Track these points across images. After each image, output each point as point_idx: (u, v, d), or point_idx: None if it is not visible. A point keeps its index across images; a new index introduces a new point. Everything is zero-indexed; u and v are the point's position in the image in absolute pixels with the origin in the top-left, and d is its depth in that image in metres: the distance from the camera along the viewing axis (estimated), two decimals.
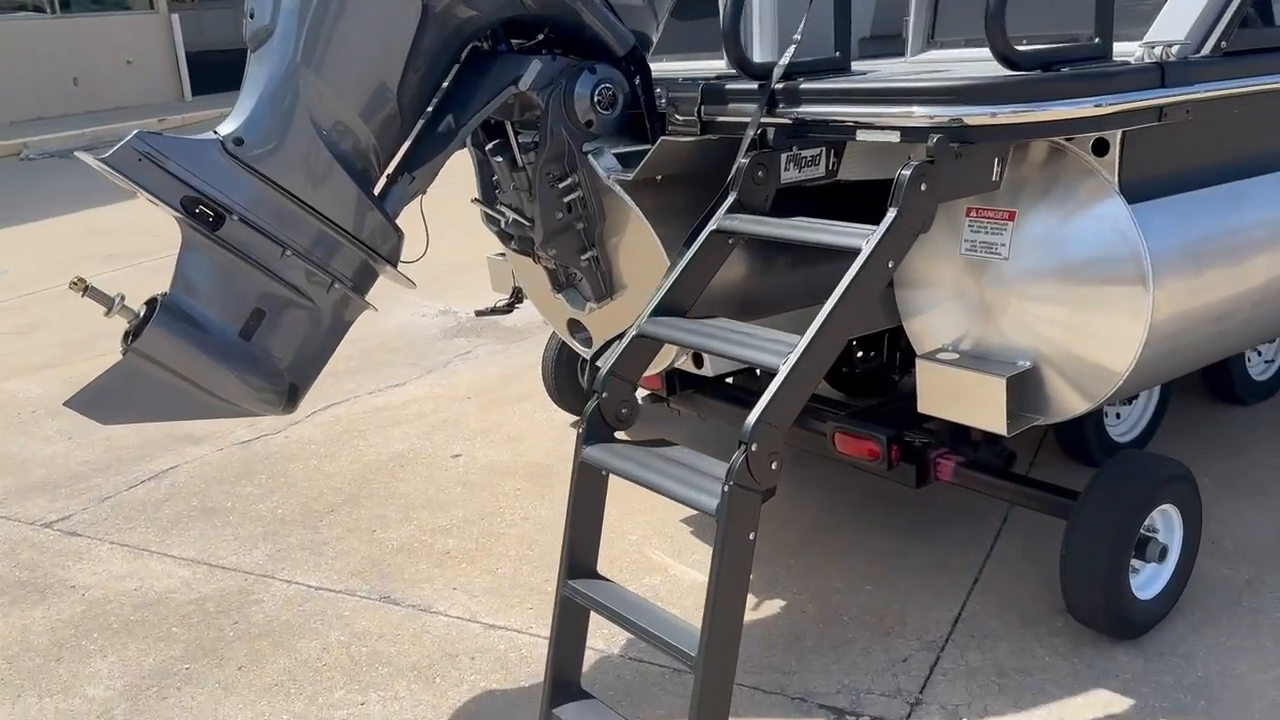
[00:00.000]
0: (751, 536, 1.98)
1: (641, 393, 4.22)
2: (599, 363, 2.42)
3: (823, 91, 2.38)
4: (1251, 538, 3.32)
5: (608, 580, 2.32)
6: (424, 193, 2.91)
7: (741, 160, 2.44)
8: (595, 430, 2.29)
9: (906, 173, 2.11)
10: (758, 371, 3.60)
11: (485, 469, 4.36)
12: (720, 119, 2.64)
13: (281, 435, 4.88)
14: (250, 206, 2.56)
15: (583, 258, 3.11)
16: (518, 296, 4.35)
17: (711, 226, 2.41)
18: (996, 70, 2.25)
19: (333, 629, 3.25)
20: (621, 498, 3.55)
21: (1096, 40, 2.27)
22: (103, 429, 5.11)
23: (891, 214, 2.12)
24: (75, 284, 2.45)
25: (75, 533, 4.04)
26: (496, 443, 4.62)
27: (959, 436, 3.17)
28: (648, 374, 3.47)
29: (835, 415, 3.21)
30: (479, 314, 4.43)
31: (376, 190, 2.79)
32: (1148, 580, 2.83)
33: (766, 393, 1.99)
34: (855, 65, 2.80)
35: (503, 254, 4.35)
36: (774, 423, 1.98)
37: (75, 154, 2.53)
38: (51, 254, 9.00)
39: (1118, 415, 3.84)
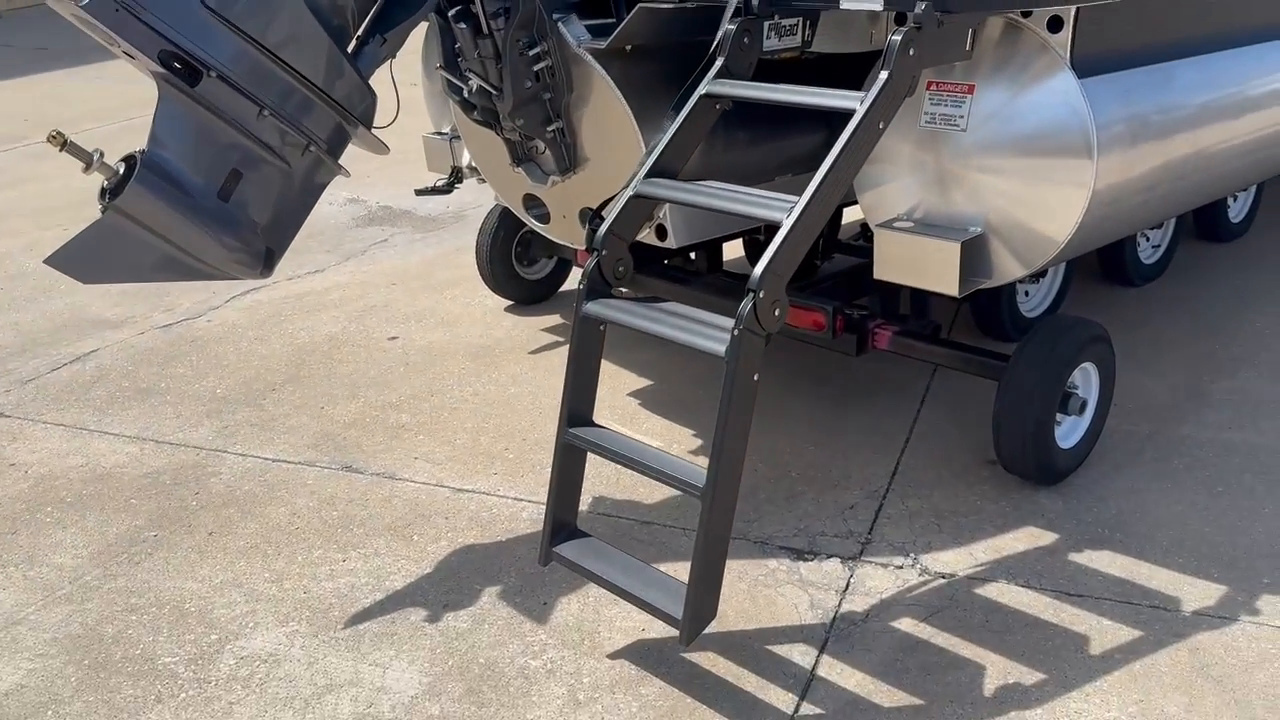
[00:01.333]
0: (756, 377, 2.13)
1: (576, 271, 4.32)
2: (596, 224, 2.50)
3: None
4: (1148, 400, 3.69)
5: (604, 427, 2.46)
6: (394, 56, 2.90)
7: (729, 26, 2.53)
8: (595, 286, 2.39)
9: (897, 38, 2.25)
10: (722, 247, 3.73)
11: (424, 350, 4.40)
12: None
13: (204, 320, 4.79)
14: (228, 63, 2.52)
15: (549, 129, 3.16)
16: (457, 176, 4.35)
17: (701, 91, 2.51)
18: None
19: (299, 496, 3.30)
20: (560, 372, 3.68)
21: None
22: (6, 312, 4.90)
23: (883, 76, 2.26)
24: (54, 138, 2.38)
25: (1, 413, 3.93)
26: (431, 326, 4.65)
27: (889, 308, 3.40)
28: (555, 238, 3.56)
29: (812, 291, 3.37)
30: (418, 193, 4.41)
31: (350, 50, 2.77)
32: (1068, 431, 3.13)
33: (772, 244, 2.13)
34: None
35: (440, 134, 4.33)
36: (779, 272, 2.13)
37: (48, 2, 2.42)
38: None
39: (1026, 293, 4.15)
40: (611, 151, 3.12)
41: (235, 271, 2.73)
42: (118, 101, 9.04)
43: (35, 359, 4.41)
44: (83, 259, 2.49)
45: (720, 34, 2.55)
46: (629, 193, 2.46)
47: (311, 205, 2.85)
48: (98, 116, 8.40)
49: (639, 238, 3.30)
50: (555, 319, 4.66)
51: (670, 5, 2.77)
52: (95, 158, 2.45)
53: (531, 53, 2.99)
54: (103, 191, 2.51)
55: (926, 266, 2.76)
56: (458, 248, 5.64)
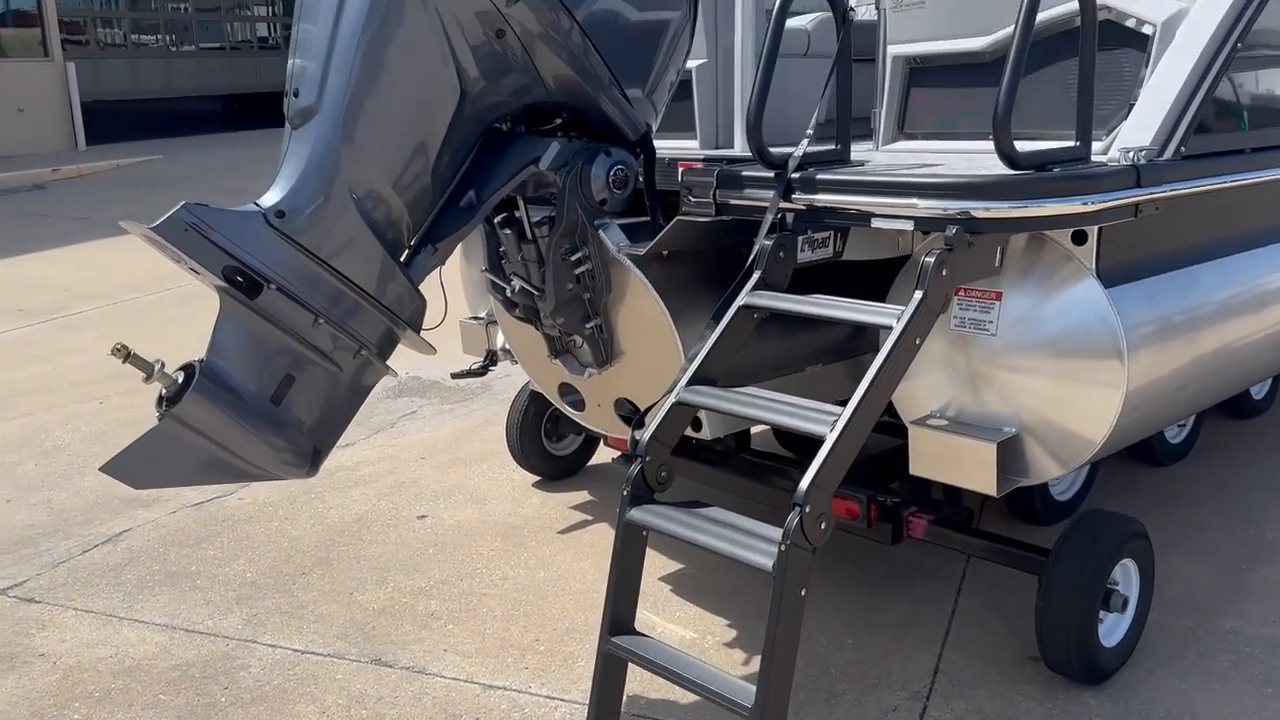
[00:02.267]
0: (803, 592, 2.14)
1: (613, 454, 4.37)
2: (637, 433, 2.55)
3: (839, 182, 2.61)
4: (1187, 589, 3.64)
5: (647, 636, 2.44)
6: (444, 264, 3.03)
7: (764, 242, 2.65)
8: (638, 493, 2.43)
9: (930, 260, 2.35)
10: (751, 430, 3.78)
11: (454, 529, 4.40)
12: (734, 202, 2.86)
13: (235, 498, 4.82)
14: (288, 276, 2.64)
15: (587, 326, 3.26)
16: (492, 360, 4.46)
17: (739, 302, 2.60)
18: (993, 167, 2.52)
19: (328, 693, 3.25)
20: (601, 555, 3.66)
21: (1078, 144, 2.57)
22: (40, 489, 4.95)
23: (918, 296, 2.35)
24: (117, 350, 2.48)
25: (32, 599, 3.92)
26: (461, 503, 4.67)
27: (922, 496, 3.41)
28: (621, 435, 3.63)
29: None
30: (454, 376, 4.51)
31: (402, 259, 2.90)
32: (1111, 629, 3.09)
33: (816, 459, 2.17)
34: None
35: (476, 318, 4.46)
36: (824, 486, 2.16)
37: (120, 222, 2.56)
38: None
39: (1057, 478, 4.16)
40: (647, 347, 3.21)
41: (282, 472, 2.78)
42: (155, 272, 9.34)
43: (68, 540, 4.43)
44: (136, 465, 2.55)
45: (756, 249, 2.67)
46: (671, 400, 2.52)
47: (359, 405, 2.93)
48: (136, 287, 8.67)
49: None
50: (583, 495, 4.68)
51: (706, 219, 2.91)
52: (156, 368, 2.54)
53: (573, 257, 3.12)
54: (160, 399, 2.58)
55: (963, 465, 2.79)
56: (485, 419, 5.72)
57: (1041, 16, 3.06)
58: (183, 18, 22.59)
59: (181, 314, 8.04)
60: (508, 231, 3.21)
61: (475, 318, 4.45)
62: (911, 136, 3.51)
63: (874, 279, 3.12)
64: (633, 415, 3.50)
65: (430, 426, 5.70)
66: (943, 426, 2.86)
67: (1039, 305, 2.73)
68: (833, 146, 2.85)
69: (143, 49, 21.54)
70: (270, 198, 2.64)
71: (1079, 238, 2.66)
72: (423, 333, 2.96)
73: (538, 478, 4.88)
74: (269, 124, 23.08)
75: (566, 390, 3.69)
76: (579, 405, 3.66)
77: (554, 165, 2.99)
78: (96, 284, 9.13)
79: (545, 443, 4.87)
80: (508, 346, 4.44)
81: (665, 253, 3.09)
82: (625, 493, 2.44)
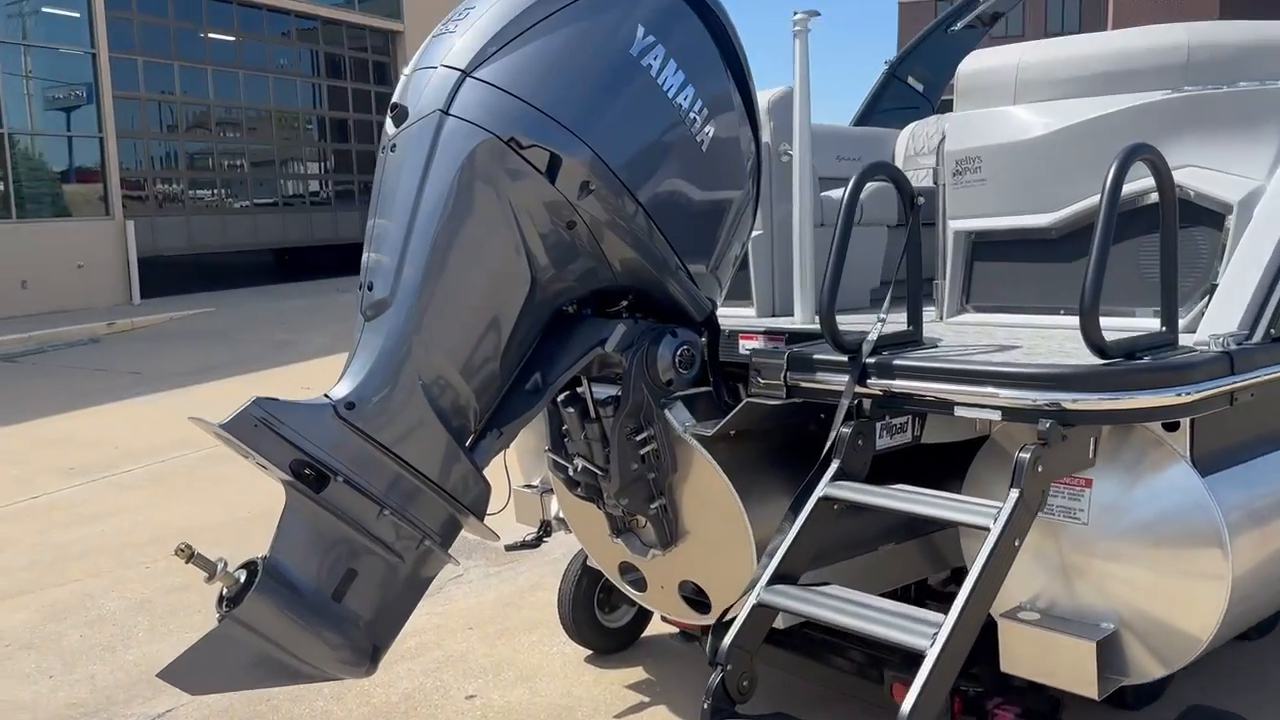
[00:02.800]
0: None
1: (672, 630, 4.21)
2: (723, 643, 2.42)
3: (919, 368, 2.55)
4: None
5: None
6: (508, 447, 2.97)
7: (842, 430, 2.57)
8: (719, 706, 2.29)
9: (1025, 455, 2.26)
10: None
11: (503, 711, 4.21)
12: (805, 385, 2.80)
13: None
14: (356, 469, 2.59)
15: (651, 506, 3.17)
16: (546, 530, 4.35)
17: (819, 494, 2.51)
18: (1078, 354, 2.46)
19: None
20: None
21: (1164, 329, 2.50)
22: (84, 663, 4.83)
23: (1014, 495, 2.24)
24: (181, 551, 2.42)
25: None
26: (511, 681, 4.48)
27: (1005, 684, 3.21)
28: (685, 619, 3.48)
29: (890, 662, 3.23)
30: (509, 549, 4.40)
31: (467, 444, 2.85)
32: None
33: (919, 677, 2.04)
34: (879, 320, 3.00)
35: (529, 486, 4.38)
36: (927, 708, 2.02)
37: (189, 418, 2.55)
38: (6, 467, 8.68)
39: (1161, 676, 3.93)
40: (714, 529, 3.10)
41: (340, 672, 2.66)
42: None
43: None
44: (193, 670, 2.45)
45: (834, 436, 2.60)
46: (751, 601, 2.40)
47: (419, 598, 2.83)
48: (185, 444, 8.72)
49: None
50: (639, 672, 4.49)
51: (776, 401, 2.84)
52: (219, 568, 2.47)
53: (638, 437, 3.05)
54: (220, 599, 2.50)
55: (1059, 665, 2.62)
56: (533, 584, 5.56)
57: (1127, 190, 3.04)
58: (239, 174, 23.59)
59: (228, 472, 8.04)
60: (571, 410, 3.17)
61: (529, 486, 4.37)
62: (978, 309, 3.46)
63: (948, 459, 3.02)
64: (697, 598, 3.36)
65: (477, 591, 5.55)
66: (1036, 621, 2.70)
67: (1131, 492, 2.61)
68: (905, 327, 2.81)
69: (199, 205, 22.43)
70: (341, 389, 2.61)
71: (1171, 425, 2.56)
72: (486, 518, 2.88)
73: (590, 651, 4.70)
74: (318, 275, 23.74)
75: (627, 569, 3.57)
76: (640, 585, 3.53)
77: (620, 347, 2.96)
78: (147, 440, 9.21)
79: (598, 614, 4.70)
80: (562, 516, 4.34)
81: (732, 432, 3.02)
82: (705, 706, 2.30)
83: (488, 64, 2.64)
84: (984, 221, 3.37)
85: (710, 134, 2.93)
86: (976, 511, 2.29)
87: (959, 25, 6.10)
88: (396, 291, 2.64)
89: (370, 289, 2.70)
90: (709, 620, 3.30)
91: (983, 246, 3.41)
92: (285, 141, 24.80)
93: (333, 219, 25.72)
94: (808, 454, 3.26)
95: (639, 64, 2.76)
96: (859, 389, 2.61)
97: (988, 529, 2.22)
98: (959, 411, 2.45)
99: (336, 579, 2.63)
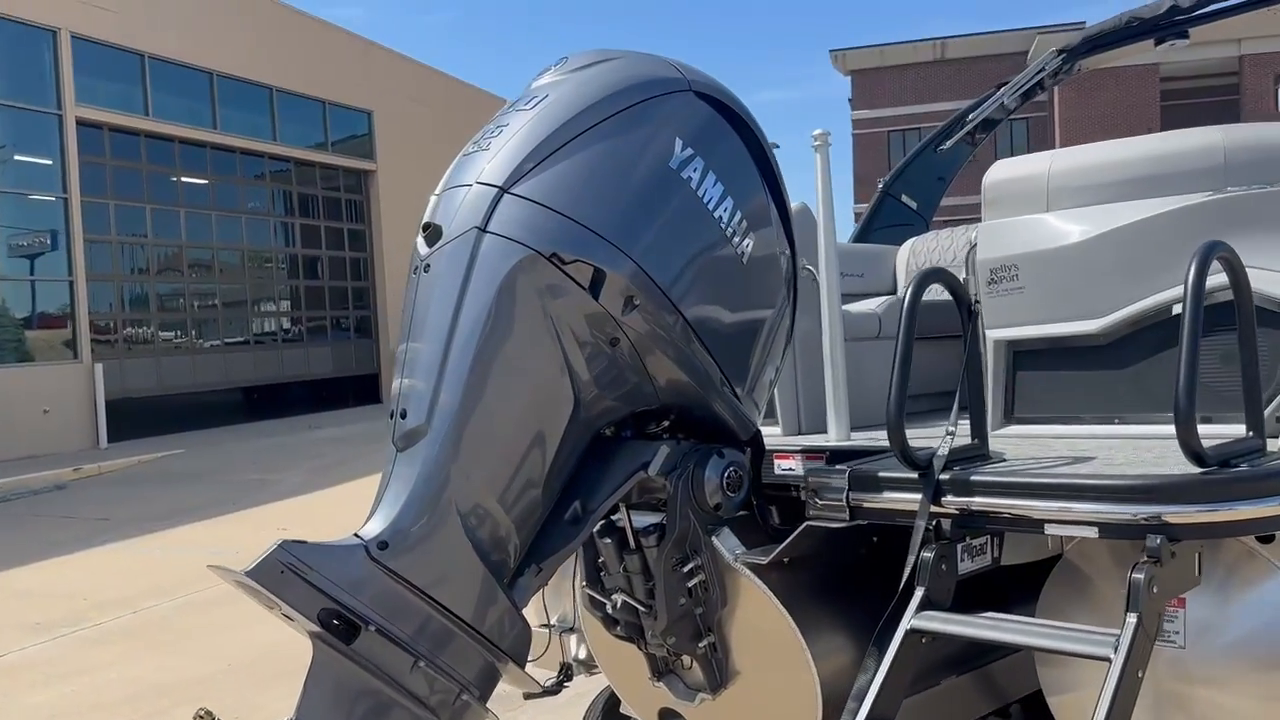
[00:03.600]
0: None
1: None
2: None
3: (1000, 484, 2.39)
4: None
5: None
6: (547, 584, 2.75)
7: (924, 554, 2.38)
8: None
9: (1140, 576, 2.08)
10: None
11: None
12: (869, 505, 2.62)
13: None
14: (390, 615, 2.35)
15: (700, 644, 2.93)
16: (567, 674, 4.06)
17: (906, 626, 2.30)
18: (1163, 463, 2.31)
19: None
20: None
21: (1251, 434, 2.37)
22: None
23: (1132, 620, 2.05)
24: (202, 717, 2.15)
25: None
26: None
27: None
28: None
29: None
30: (527, 697, 4.08)
31: (506, 582, 2.62)
32: None
33: None
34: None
35: (546, 625, 4.10)
36: None
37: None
38: None
39: None
40: (770, 667, 2.86)
41: None
42: (178, 575, 8.97)
43: None
44: None
45: (913, 562, 2.41)
46: None
47: None
48: (159, 592, 8.29)
49: None
50: None
51: (839, 524, 2.66)
52: None
53: (685, 569, 2.84)
54: None
55: None
56: None
57: (1167, 295, 2.96)
58: (210, 314, 23.45)
59: (203, 621, 7.62)
60: (608, 541, 2.95)
61: (545, 625, 4.10)
62: (1022, 421, 3.32)
63: (994, 584, 2.83)
64: None
65: None
66: None
67: (1233, 614, 2.42)
68: (969, 441, 2.65)
69: (169, 346, 22.18)
70: (373, 527, 2.40)
71: (1267, 537, 2.40)
72: (527, 665, 2.63)
73: None
74: (290, 412, 23.40)
75: (668, 715, 3.28)
76: None
77: (664, 470, 2.77)
78: (117, 590, 8.74)
79: None
80: (581, 658, 4.06)
81: (786, 560, 2.82)
82: None
83: (525, 180, 2.53)
84: (1025, 330, 3.27)
85: (749, 248, 2.82)
86: (1092, 641, 2.09)
87: (948, 144, 6.18)
88: (433, 418, 2.46)
89: (404, 417, 2.51)
90: None
91: (1024, 356, 3.30)
92: (257, 280, 24.79)
93: (304, 355, 25.54)
94: (863, 581, 3.06)
95: (679, 176, 2.67)
96: (934, 508, 2.43)
97: (1108, 659, 2.02)
98: (1050, 530, 2.28)
99: None
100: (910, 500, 2.50)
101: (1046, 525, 2.28)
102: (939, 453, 2.50)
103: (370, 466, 13.10)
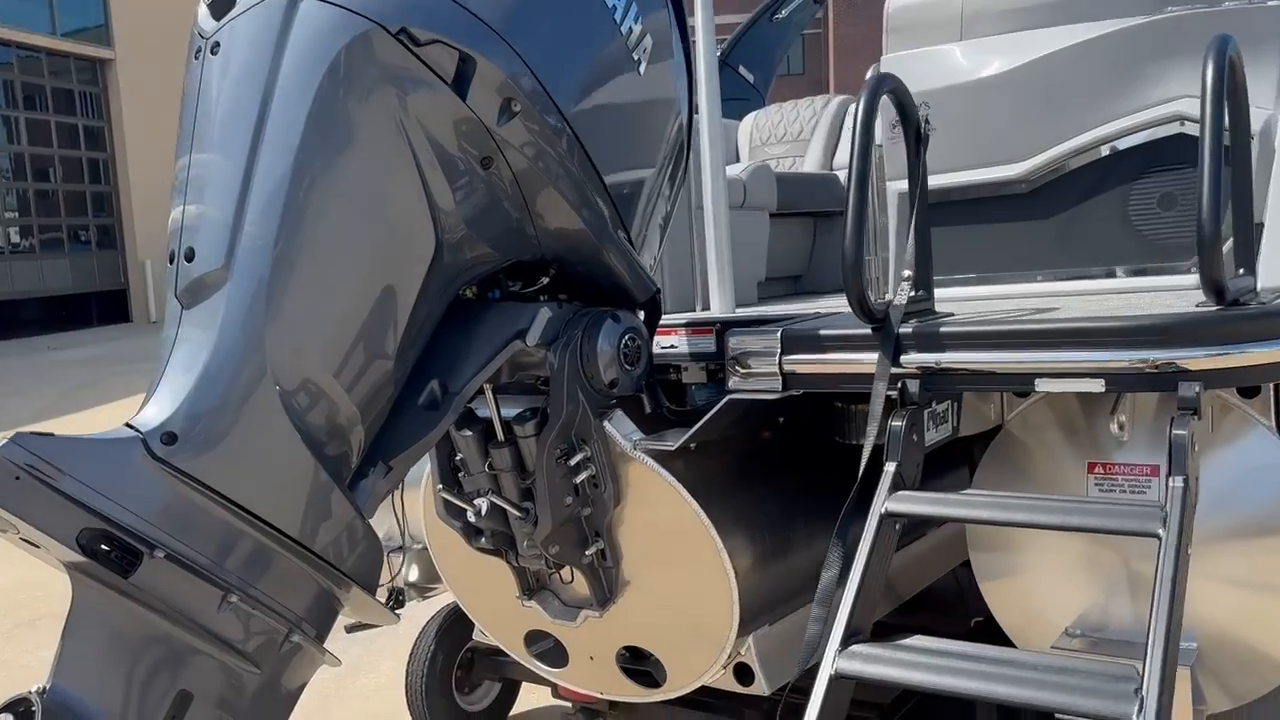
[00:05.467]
0: None
1: (563, 705, 3.40)
2: None
3: (979, 335, 1.95)
4: None
5: None
6: (397, 487, 2.12)
7: (893, 424, 1.92)
8: None
9: (1183, 431, 1.69)
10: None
11: None
12: (806, 371, 2.13)
13: None
14: (184, 534, 1.67)
15: (586, 553, 2.39)
16: (398, 600, 3.43)
17: (880, 510, 1.84)
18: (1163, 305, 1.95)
19: None
20: None
21: (1241, 272, 2.05)
22: None
23: (1179, 485, 1.67)
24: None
25: None
26: None
27: None
28: (625, 695, 2.72)
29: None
30: (350, 630, 3.44)
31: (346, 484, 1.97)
32: None
33: None
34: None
35: None
36: None
37: None
38: None
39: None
40: (675, 572, 2.36)
41: None
42: None
43: None
44: None
45: (875, 432, 1.93)
46: (827, 674, 1.68)
47: (285, 716, 1.91)
48: None
49: (708, 682, 2.49)
50: None
51: (772, 396, 2.16)
52: None
53: (571, 462, 2.28)
54: None
55: None
56: (354, 668, 4.55)
57: (1102, 132, 2.62)
58: None
59: None
60: (468, 433, 2.35)
61: None
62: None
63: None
64: (637, 668, 2.60)
65: None
66: (1094, 648, 2.16)
67: (1213, 479, 2.12)
68: (912, 294, 2.20)
69: None
70: (154, 414, 1.68)
71: (1250, 391, 2.10)
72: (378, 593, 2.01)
73: None
74: (24, 333, 20.79)
75: (536, 639, 2.75)
76: (557, 658, 2.72)
77: (544, 339, 2.19)
78: None
79: (457, 697, 3.82)
80: (413, 580, 3.45)
81: (692, 446, 2.31)
82: None
83: None
84: (934, 180, 2.86)
85: (650, 76, 2.23)
86: (1138, 514, 1.70)
87: (784, 12, 5.75)
88: (235, 259, 1.75)
89: (189, 259, 1.78)
90: (663, 695, 2.55)
91: (934, 209, 2.90)
92: None
93: (37, 269, 22.65)
94: (774, 467, 2.60)
95: None
96: (894, 369, 1.98)
97: (1156, 535, 1.64)
98: (1042, 386, 1.87)
99: (161, 709, 1.68)
100: (861, 361, 2.04)
101: (1038, 380, 1.88)
102: (894, 302, 2.03)
103: (130, 388, 11.54)
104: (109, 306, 23.87)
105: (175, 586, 1.68)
